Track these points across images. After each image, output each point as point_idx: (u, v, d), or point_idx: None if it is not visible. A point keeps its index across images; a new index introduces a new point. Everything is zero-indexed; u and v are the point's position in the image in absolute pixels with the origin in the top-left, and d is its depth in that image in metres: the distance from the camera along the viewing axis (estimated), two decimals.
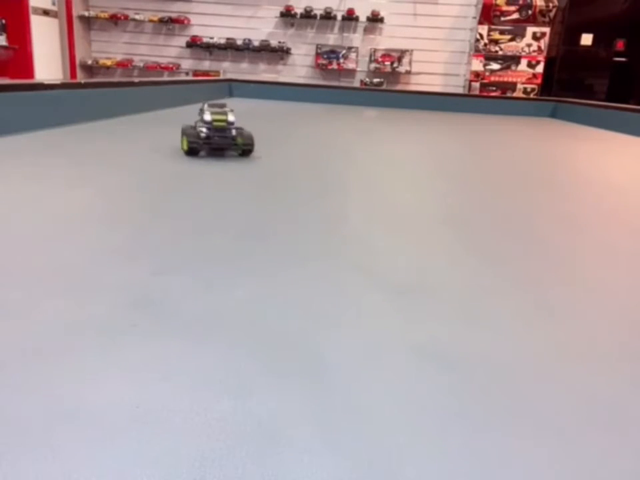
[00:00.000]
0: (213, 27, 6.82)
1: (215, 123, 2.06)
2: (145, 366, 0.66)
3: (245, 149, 2.16)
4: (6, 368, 0.65)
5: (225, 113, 2.08)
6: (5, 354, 0.68)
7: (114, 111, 3.43)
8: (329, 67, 6.82)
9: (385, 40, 6.77)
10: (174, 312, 0.81)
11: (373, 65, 6.78)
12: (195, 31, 6.86)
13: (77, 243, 1.10)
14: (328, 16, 6.63)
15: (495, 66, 6.45)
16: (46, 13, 6.03)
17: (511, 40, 6.36)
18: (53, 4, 6.17)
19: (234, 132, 2.10)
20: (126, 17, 6.75)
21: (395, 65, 6.75)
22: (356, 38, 6.84)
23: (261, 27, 6.85)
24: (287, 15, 6.67)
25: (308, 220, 1.39)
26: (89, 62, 6.87)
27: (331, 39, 6.87)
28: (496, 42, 6.38)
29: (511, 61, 6.42)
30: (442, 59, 6.79)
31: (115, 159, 2.11)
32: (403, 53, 6.71)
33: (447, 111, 5.96)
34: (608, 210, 1.74)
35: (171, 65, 6.88)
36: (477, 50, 6.43)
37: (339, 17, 6.66)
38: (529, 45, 6.34)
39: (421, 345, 0.76)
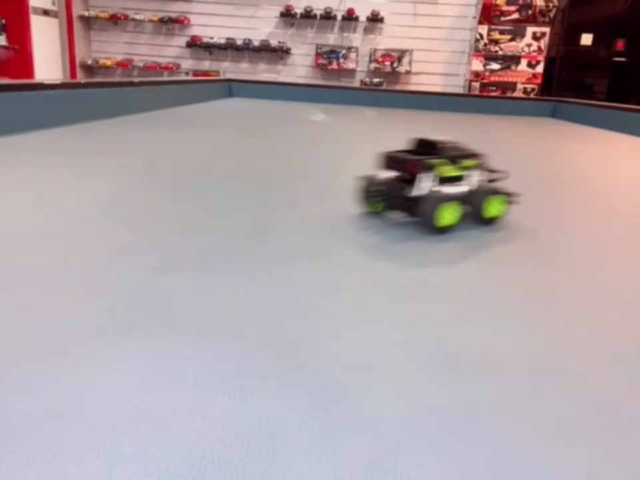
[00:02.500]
0: (213, 26, 6.82)
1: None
2: (144, 366, 0.66)
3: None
4: (5, 367, 0.65)
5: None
6: (4, 353, 0.68)
7: (114, 111, 3.43)
8: (329, 67, 6.82)
9: (385, 40, 6.77)
10: (176, 311, 0.81)
11: (372, 65, 6.78)
12: (194, 30, 6.86)
13: (76, 241, 1.10)
14: (328, 16, 6.63)
15: (495, 66, 6.45)
16: (46, 12, 6.03)
17: (511, 40, 6.36)
18: (53, 4, 6.17)
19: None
20: (126, 17, 6.75)
21: (395, 64, 6.75)
22: (356, 38, 6.84)
23: (261, 26, 6.85)
24: (287, 14, 6.67)
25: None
26: (89, 62, 6.87)
27: (331, 38, 6.87)
28: (496, 42, 6.38)
29: (510, 60, 6.42)
30: (442, 58, 6.79)
31: (115, 158, 2.11)
32: (402, 52, 6.71)
33: (447, 110, 5.96)
34: (609, 209, 1.74)
35: (171, 65, 6.88)
36: (477, 50, 6.43)
37: (339, 17, 6.66)
38: (528, 45, 6.34)
39: (422, 344, 0.76)
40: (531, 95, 6.45)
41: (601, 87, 6.31)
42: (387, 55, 6.74)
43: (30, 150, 2.17)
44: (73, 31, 6.55)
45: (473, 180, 1.36)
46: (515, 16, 6.27)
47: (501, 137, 4.03)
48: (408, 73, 6.77)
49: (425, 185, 1.26)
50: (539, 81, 6.42)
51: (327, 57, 6.79)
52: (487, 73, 6.48)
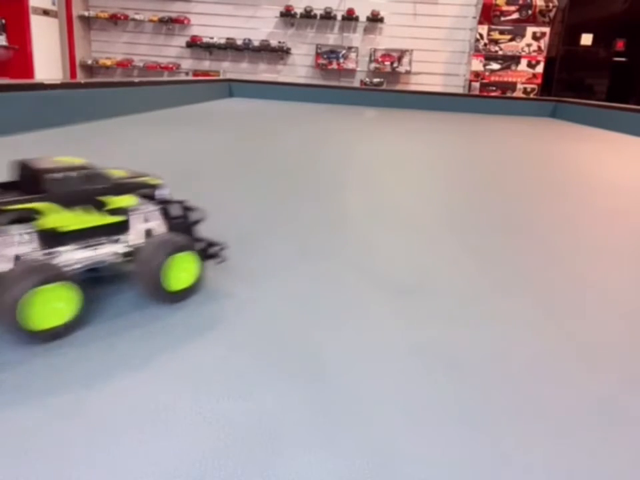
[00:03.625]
0: (213, 26, 6.82)
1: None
2: (144, 366, 0.66)
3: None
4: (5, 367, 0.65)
5: None
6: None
7: (114, 111, 3.43)
8: (329, 67, 6.82)
9: (385, 40, 6.77)
10: (173, 312, 0.81)
11: (372, 65, 6.78)
12: (194, 30, 6.86)
13: None
14: (328, 16, 6.63)
15: (494, 66, 6.45)
16: (46, 12, 6.03)
17: (511, 40, 6.36)
18: (53, 4, 6.17)
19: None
20: (126, 17, 6.75)
21: (395, 64, 6.75)
22: (356, 38, 6.84)
23: (261, 26, 6.85)
24: (287, 14, 6.67)
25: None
26: (89, 62, 6.86)
27: (331, 38, 6.87)
28: (496, 42, 6.38)
29: (510, 60, 6.42)
30: (442, 58, 6.79)
31: (115, 159, 2.10)
32: (402, 52, 6.70)
33: (447, 110, 5.96)
34: (608, 209, 1.73)
35: (171, 65, 6.87)
36: (477, 50, 6.43)
37: (339, 17, 6.66)
38: (528, 45, 6.34)
39: (421, 345, 0.76)
40: (531, 95, 6.45)
41: (600, 87, 6.30)
42: (386, 54, 6.74)
43: (29, 150, 2.17)
44: (73, 31, 6.55)
45: (137, 230, 0.84)
46: (515, 16, 6.27)
47: (501, 137, 4.03)
48: (408, 72, 6.77)
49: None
50: (539, 80, 6.42)
51: (327, 57, 6.79)
52: (487, 73, 6.48)
